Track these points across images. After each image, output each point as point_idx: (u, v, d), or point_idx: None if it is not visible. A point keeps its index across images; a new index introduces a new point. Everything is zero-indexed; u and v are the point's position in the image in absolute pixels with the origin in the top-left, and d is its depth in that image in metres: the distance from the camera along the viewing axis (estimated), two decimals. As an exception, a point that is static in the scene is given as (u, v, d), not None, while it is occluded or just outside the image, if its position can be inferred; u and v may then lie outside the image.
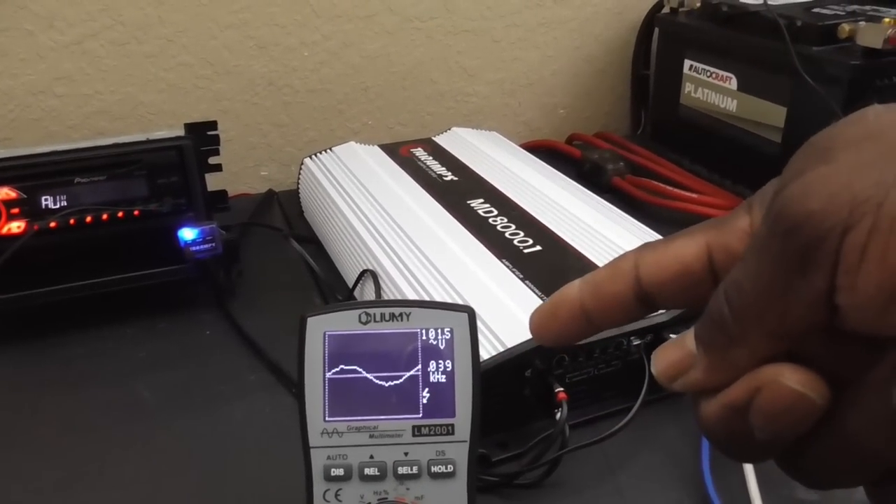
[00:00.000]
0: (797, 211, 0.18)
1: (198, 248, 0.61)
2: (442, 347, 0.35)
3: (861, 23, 0.67)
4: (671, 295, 0.23)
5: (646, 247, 0.24)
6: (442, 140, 0.81)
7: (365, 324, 0.35)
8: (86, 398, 0.54)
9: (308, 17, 0.85)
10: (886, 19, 0.65)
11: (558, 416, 0.44)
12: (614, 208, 0.65)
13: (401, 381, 0.35)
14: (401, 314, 0.35)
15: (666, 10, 0.90)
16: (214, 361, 0.58)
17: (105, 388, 0.55)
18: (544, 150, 0.90)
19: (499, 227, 0.60)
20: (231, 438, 0.51)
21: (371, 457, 0.34)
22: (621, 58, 1.00)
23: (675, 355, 0.22)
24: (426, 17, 0.90)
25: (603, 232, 0.59)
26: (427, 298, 0.52)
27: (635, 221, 0.62)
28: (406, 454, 0.34)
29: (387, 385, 0.35)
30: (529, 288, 0.51)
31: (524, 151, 0.78)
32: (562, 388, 0.44)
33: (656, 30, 0.93)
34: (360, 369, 0.35)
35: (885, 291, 0.18)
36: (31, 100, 0.80)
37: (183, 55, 0.83)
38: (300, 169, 0.80)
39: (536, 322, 0.26)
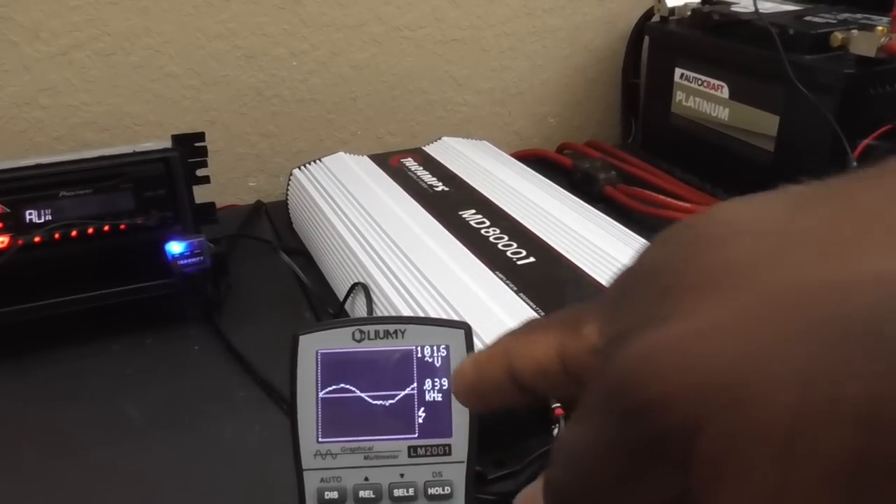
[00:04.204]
0: (635, 396, 0.14)
1: (185, 261, 0.60)
2: (438, 365, 0.34)
3: (854, 31, 0.67)
4: (545, 389, 0.21)
5: (521, 332, 0.22)
6: (432, 150, 0.80)
7: (359, 341, 0.34)
8: (70, 418, 0.53)
9: (296, 27, 0.85)
10: (879, 27, 0.65)
11: (555, 432, 0.43)
12: (607, 218, 0.64)
13: (396, 400, 0.34)
14: (395, 331, 0.34)
15: (656, 18, 0.90)
16: (203, 378, 0.57)
17: (90, 407, 0.54)
18: (535, 160, 0.89)
19: (491, 239, 0.59)
20: (220, 458, 0.50)
21: (366, 479, 0.33)
22: (611, 67, 1.00)
23: None
24: (415, 27, 0.89)
25: (596, 242, 0.58)
26: (419, 311, 0.51)
27: (628, 231, 0.61)
28: (402, 476, 0.33)
29: (381, 404, 0.34)
30: (524, 300, 0.51)
31: (515, 161, 0.78)
32: (559, 404, 0.43)
33: (646, 38, 0.93)
34: (353, 388, 0.34)
35: None
36: (16, 111, 0.79)
37: (170, 66, 0.82)
38: (289, 180, 0.79)
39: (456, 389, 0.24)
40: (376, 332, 0.34)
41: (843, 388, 0.12)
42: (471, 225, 0.62)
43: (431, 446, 0.33)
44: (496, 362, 0.22)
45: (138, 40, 0.80)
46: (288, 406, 0.34)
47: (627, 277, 0.17)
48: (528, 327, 0.22)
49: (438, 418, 0.34)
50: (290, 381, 0.34)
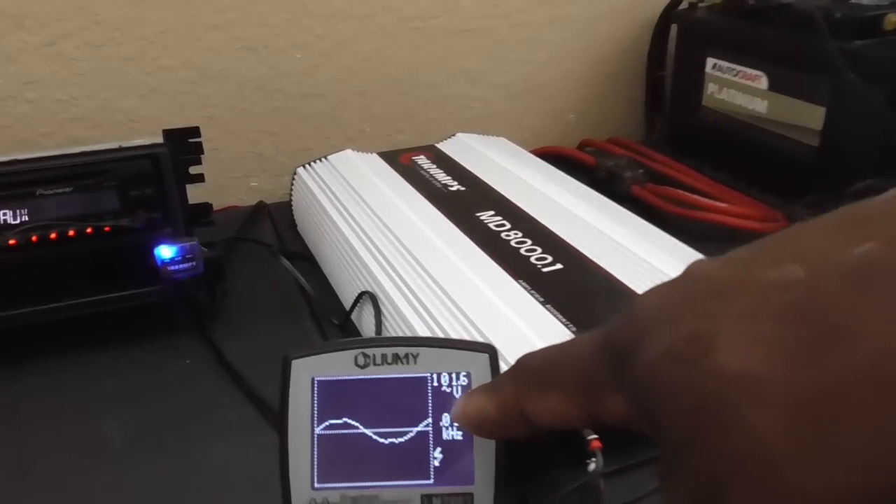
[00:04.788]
0: None
1: (176, 267, 0.55)
2: (458, 396, 0.28)
3: (909, 13, 0.61)
4: (561, 429, 0.24)
5: (528, 387, 0.24)
6: (446, 147, 0.75)
7: (362, 367, 0.28)
8: (44, 438, 0.48)
9: (300, 17, 0.79)
10: (941, 8, 0.59)
11: (591, 467, 0.37)
12: (639, 219, 0.59)
13: (406, 438, 0.28)
14: (406, 356, 0.28)
15: (684, 5, 0.84)
16: (192, 395, 0.52)
17: (67, 427, 0.49)
18: (554, 158, 0.83)
19: (513, 243, 0.54)
20: (208, 486, 0.44)
21: (371, 534, 0.28)
22: (635, 59, 0.94)
23: None
24: (426, 17, 0.84)
25: (629, 246, 0.53)
26: (432, 323, 0.46)
27: (665, 235, 0.56)
28: (414, 531, 0.28)
29: (390, 444, 0.28)
30: (551, 313, 0.45)
31: (535, 158, 0.72)
32: (595, 436, 0.37)
33: (674, 27, 0.87)
34: (356, 424, 0.28)
35: None
36: (0, 105, 0.74)
37: (164, 58, 0.77)
38: (293, 179, 0.74)
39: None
40: (384, 357, 0.28)
41: None
42: (489, 228, 0.56)
43: (450, 495, 0.28)
44: (509, 414, 0.24)
45: (130, 30, 0.75)
46: (279, 446, 0.28)
47: (649, 379, 0.18)
48: (537, 382, 0.23)
49: (458, 461, 0.28)
50: (279, 414, 0.29)
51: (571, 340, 0.23)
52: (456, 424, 0.28)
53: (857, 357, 0.14)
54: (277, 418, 0.29)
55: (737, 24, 0.75)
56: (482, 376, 0.28)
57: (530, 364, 0.24)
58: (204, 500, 0.43)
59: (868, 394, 0.13)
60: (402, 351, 0.28)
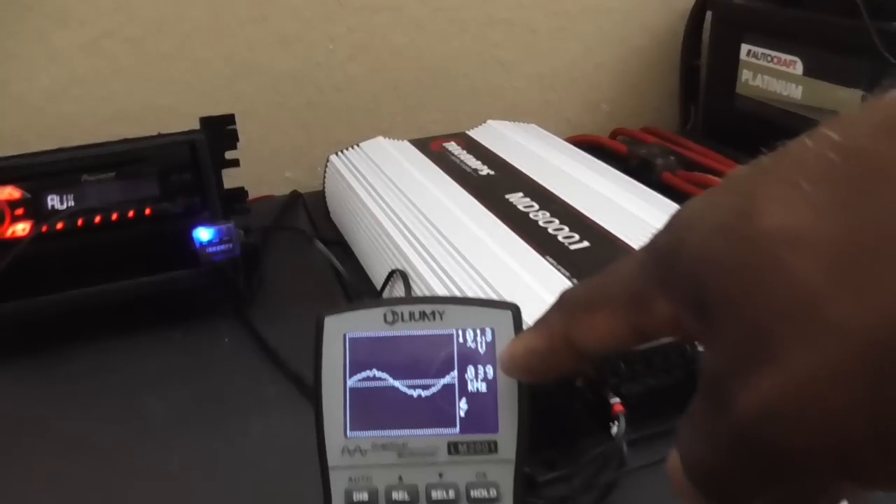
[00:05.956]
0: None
1: (214, 249, 0.57)
2: (482, 351, 0.29)
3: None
4: (611, 353, 0.27)
5: (574, 313, 0.24)
6: (476, 133, 0.75)
7: (391, 324, 0.29)
8: (91, 416, 0.50)
9: (332, 10, 0.81)
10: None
11: (614, 430, 0.38)
12: (666, 200, 0.59)
13: (434, 390, 0.29)
14: (433, 313, 0.29)
15: (719, -9, 0.84)
16: (231, 372, 0.54)
17: (113, 405, 0.51)
18: (586, 146, 0.83)
19: (541, 223, 0.54)
20: (248, 457, 0.46)
21: (400, 479, 0.29)
22: (670, 48, 0.94)
23: None
24: (459, 7, 0.85)
25: (655, 224, 0.53)
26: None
27: (694, 214, 0.56)
28: (441, 476, 0.29)
29: (418, 395, 0.29)
30: (579, 287, 0.45)
31: (565, 143, 0.73)
32: (618, 399, 0.38)
33: (709, 14, 0.87)
34: (386, 376, 0.29)
35: None
36: (45, 105, 0.76)
37: (201, 53, 0.79)
38: (325, 167, 0.75)
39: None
40: (411, 314, 0.29)
41: None
42: (518, 209, 0.57)
43: (475, 443, 0.28)
44: (557, 345, 0.24)
45: (168, 26, 0.77)
46: (313, 398, 0.29)
47: (683, 270, 0.19)
48: (583, 306, 0.23)
49: (483, 411, 0.29)
50: (314, 368, 0.30)
51: (614, 264, 0.23)
52: (480, 377, 0.29)
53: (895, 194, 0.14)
54: (313, 373, 0.30)
55: (773, 8, 0.74)
56: (506, 332, 0.29)
57: (574, 292, 0.24)
58: (244, 471, 0.44)
59: None
60: (428, 308, 0.29)
